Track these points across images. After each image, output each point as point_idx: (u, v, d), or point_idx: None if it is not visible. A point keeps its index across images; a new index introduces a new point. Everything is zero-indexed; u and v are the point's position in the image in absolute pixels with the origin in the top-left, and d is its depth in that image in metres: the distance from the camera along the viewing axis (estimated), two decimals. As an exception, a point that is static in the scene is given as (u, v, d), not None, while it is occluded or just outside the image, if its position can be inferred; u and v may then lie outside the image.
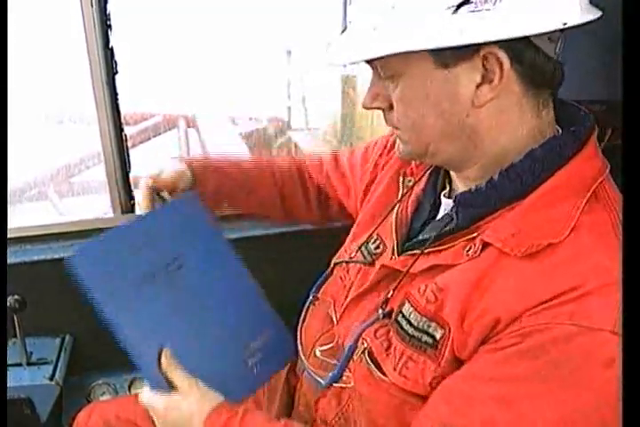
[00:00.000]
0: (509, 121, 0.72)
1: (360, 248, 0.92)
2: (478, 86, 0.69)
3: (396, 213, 0.89)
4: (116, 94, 1.39)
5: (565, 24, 0.66)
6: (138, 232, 0.82)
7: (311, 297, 1.00)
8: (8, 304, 1.30)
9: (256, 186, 1.12)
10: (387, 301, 0.81)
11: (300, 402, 0.98)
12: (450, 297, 0.70)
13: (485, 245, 0.71)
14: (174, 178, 0.98)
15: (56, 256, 1.44)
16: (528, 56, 0.68)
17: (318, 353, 0.91)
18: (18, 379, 1.36)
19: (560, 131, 0.75)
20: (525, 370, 0.63)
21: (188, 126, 3.96)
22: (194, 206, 0.87)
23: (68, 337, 1.52)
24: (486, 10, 0.64)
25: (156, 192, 0.96)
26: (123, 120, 1.45)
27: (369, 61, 0.73)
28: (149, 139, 3.76)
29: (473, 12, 0.64)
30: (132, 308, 0.79)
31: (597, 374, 0.61)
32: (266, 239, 1.57)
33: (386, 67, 0.71)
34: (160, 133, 3.85)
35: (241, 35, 3.60)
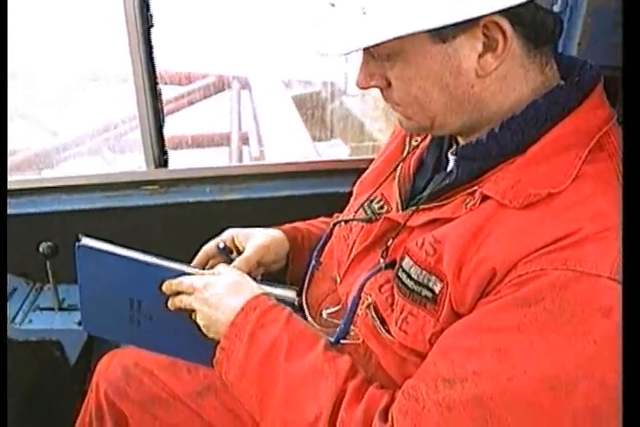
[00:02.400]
0: (514, 83, 0.69)
1: (363, 207, 0.90)
2: (481, 56, 0.65)
3: (400, 171, 0.87)
4: (151, 49, 1.39)
5: None
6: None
7: (314, 262, 0.99)
8: (41, 250, 1.34)
9: None
10: (387, 249, 0.79)
11: None
12: (447, 249, 0.69)
13: (485, 198, 0.69)
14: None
15: (91, 207, 1.48)
16: (529, 16, 0.64)
17: (325, 315, 0.91)
18: (49, 322, 1.42)
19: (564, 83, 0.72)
20: (521, 318, 0.61)
21: (242, 88, 3.97)
22: (92, 253, 0.91)
23: (101, 286, 1.57)
24: None
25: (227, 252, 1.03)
26: (159, 76, 1.45)
27: None
28: (203, 98, 3.81)
29: None
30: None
31: (594, 323, 0.59)
32: (298, 199, 1.56)
33: (379, 48, 0.67)
34: (213, 94, 3.88)
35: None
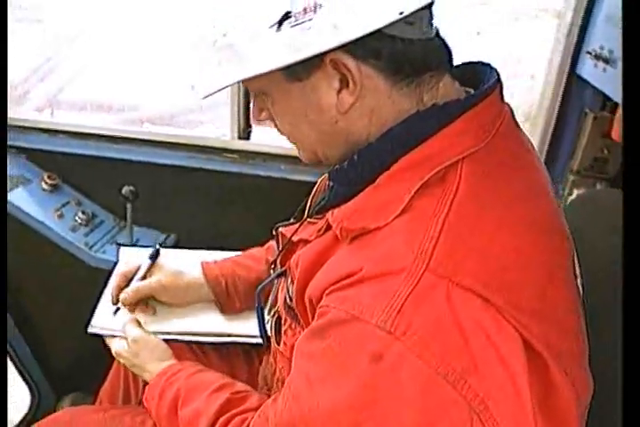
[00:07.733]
0: (385, 116, 0.66)
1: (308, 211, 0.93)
2: (339, 92, 0.65)
3: (318, 184, 0.91)
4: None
5: (402, 13, 0.59)
6: None
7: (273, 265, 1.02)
8: (123, 192, 1.53)
9: None
10: (274, 262, 0.86)
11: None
12: (298, 273, 0.72)
13: (330, 225, 0.69)
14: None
15: (174, 163, 1.65)
16: (384, 48, 0.62)
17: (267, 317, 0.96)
18: (121, 257, 1.62)
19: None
20: (317, 349, 0.62)
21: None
22: None
23: (173, 236, 1.75)
24: (309, 20, 0.60)
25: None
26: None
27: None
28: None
29: (295, 25, 0.61)
30: None
31: (363, 367, 0.57)
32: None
33: (250, 87, 0.72)
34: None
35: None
